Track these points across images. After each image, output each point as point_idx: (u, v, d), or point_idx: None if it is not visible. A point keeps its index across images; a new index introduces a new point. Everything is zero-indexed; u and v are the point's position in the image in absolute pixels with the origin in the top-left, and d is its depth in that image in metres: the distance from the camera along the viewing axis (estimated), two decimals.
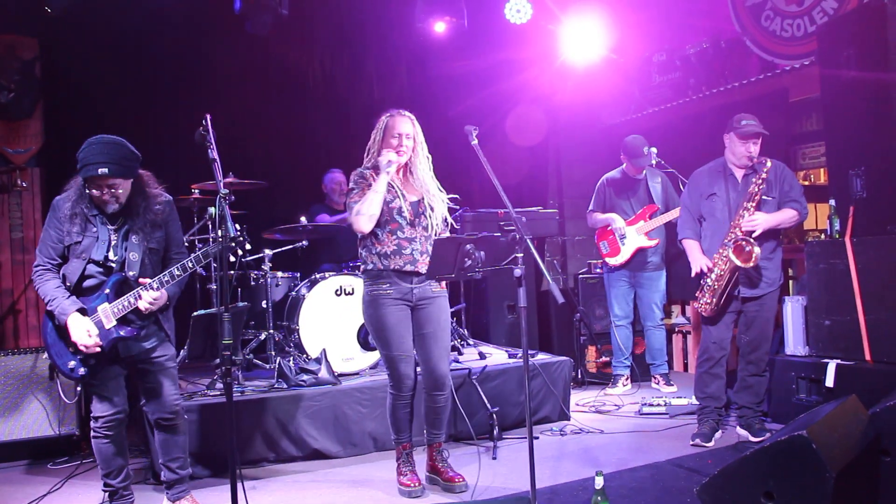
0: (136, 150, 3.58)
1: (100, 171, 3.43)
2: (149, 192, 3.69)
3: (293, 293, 5.60)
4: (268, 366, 5.44)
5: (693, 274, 4.75)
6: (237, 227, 3.47)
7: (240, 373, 5.11)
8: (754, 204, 4.53)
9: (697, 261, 4.74)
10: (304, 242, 5.98)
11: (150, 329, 3.70)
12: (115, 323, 3.54)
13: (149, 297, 3.52)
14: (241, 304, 5.26)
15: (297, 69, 7.44)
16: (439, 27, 7.21)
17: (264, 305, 5.51)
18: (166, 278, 3.54)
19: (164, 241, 3.74)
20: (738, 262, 4.48)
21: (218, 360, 2.82)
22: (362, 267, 4.10)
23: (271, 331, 5.52)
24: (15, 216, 6.12)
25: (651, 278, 6.29)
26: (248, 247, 3.53)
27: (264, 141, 7.12)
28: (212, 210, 3.02)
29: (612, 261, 6.31)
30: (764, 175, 4.52)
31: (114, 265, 3.58)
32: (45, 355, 4.89)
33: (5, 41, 6.09)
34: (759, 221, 4.51)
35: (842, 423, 3.17)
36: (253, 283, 5.73)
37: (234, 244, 3.39)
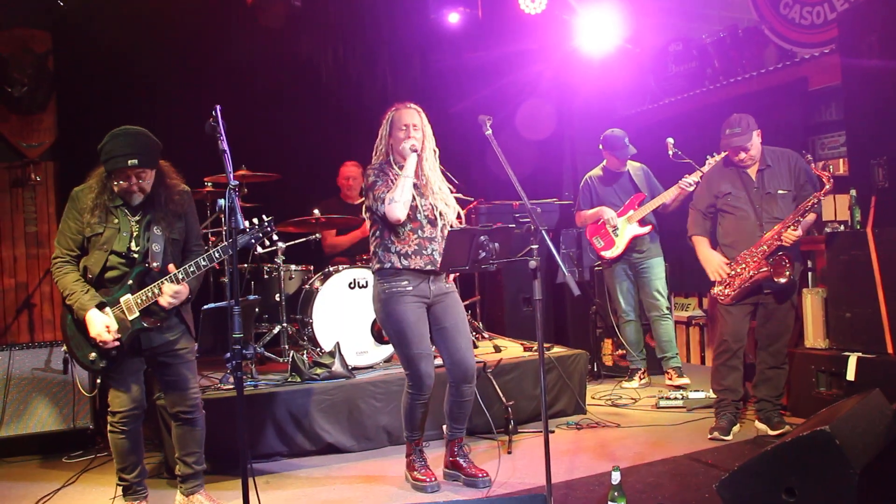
0: (157, 140, 3.58)
1: (129, 162, 3.43)
2: (169, 183, 3.69)
3: (306, 286, 5.57)
4: (281, 359, 5.43)
5: (714, 280, 4.69)
6: (265, 217, 3.47)
7: (253, 366, 5.09)
8: (801, 219, 4.44)
9: (711, 262, 4.71)
10: (317, 235, 5.95)
11: (172, 321, 3.68)
12: (137, 314, 3.52)
13: (169, 290, 3.50)
14: (251, 296, 5.25)
15: (310, 61, 7.40)
16: (453, 18, 7.16)
17: (277, 299, 5.49)
18: (192, 269, 3.52)
19: (184, 232, 3.73)
20: (777, 280, 4.43)
21: (229, 354, 2.78)
22: (376, 266, 4.00)
23: (284, 324, 5.50)
24: (29, 210, 6.14)
25: (650, 266, 6.21)
26: (275, 237, 3.52)
27: (277, 133, 7.10)
28: (222, 202, 2.98)
29: (608, 254, 6.23)
30: (820, 196, 4.40)
31: (136, 256, 3.56)
32: (62, 348, 4.95)
33: (18, 35, 6.10)
34: (798, 237, 4.46)
35: (865, 418, 3.11)
36: (266, 276, 5.71)
37: (261, 235, 3.42)
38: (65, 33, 6.26)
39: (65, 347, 3.65)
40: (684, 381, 6.15)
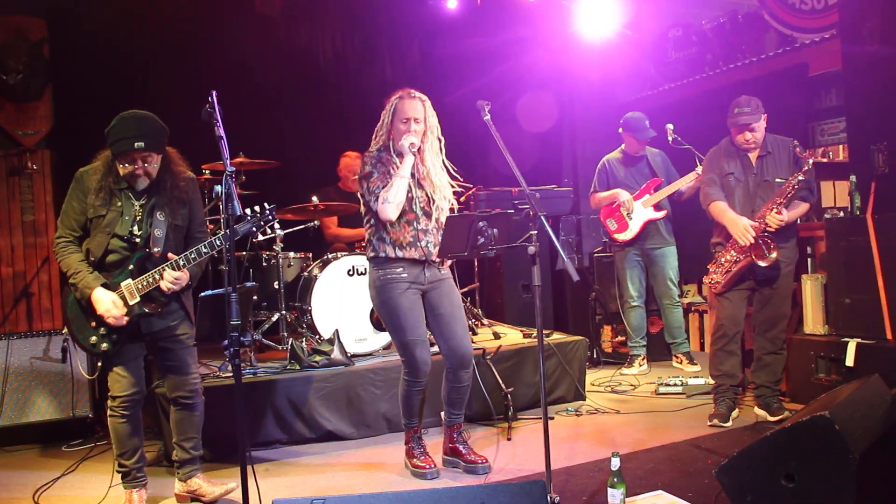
0: (165, 125, 3.56)
1: (136, 144, 3.42)
2: (175, 169, 3.68)
3: (305, 273, 5.56)
4: (280, 347, 5.42)
5: (745, 244, 4.46)
6: (266, 205, 3.46)
7: (252, 354, 5.08)
8: (784, 200, 4.43)
9: (738, 224, 4.47)
10: (315, 222, 5.93)
11: (173, 306, 3.67)
12: (138, 299, 3.51)
13: (170, 276, 3.49)
14: (249, 283, 5.24)
15: (308, 49, 7.38)
16: (451, 4, 7.13)
17: (276, 286, 5.47)
18: (193, 255, 3.51)
19: (187, 219, 3.71)
20: (758, 262, 4.42)
21: (227, 342, 2.77)
22: (371, 254, 3.98)
23: (283, 312, 5.49)
24: (26, 199, 6.11)
25: (664, 254, 6.22)
26: (276, 226, 3.50)
27: (276, 121, 7.08)
28: (218, 188, 2.96)
29: (621, 236, 6.22)
30: (801, 177, 4.39)
31: (138, 241, 3.55)
32: (60, 337, 4.96)
33: (13, 22, 6.05)
34: (782, 221, 4.41)
35: (865, 404, 3.10)
36: (265, 264, 5.70)
37: (262, 223, 3.44)
38: (60, 20, 6.21)
39: (66, 329, 3.65)
40: (695, 367, 6.17)
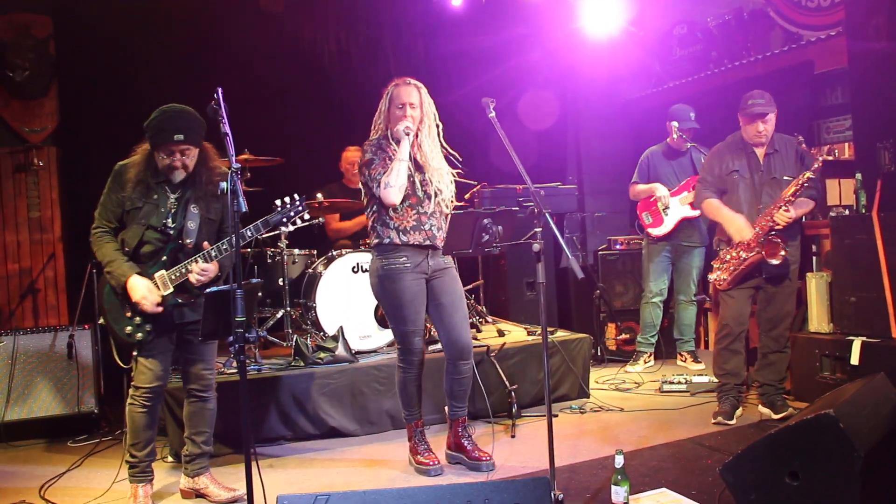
0: (203, 120, 3.59)
1: (175, 137, 3.49)
2: (211, 164, 3.73)
3: (310, 270, 5.57)
4: (285, 344, 5.44)
5: (735, 241, 4.52)
6: (296, 196, 3.59)
7: (257, 350, 5.09)
8: (793, 198, 4.42)
9: (736, 221, 4.51)
10: (320, 219, 5.93)
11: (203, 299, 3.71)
12: (171, 289, 3.56)
13: (198, 268, 3.53)
14: (254, 280, 5.25)
15: (312, 46, 7.38)
16: (456, 1, 7.10)
17: (281, 283, 5.48)
18: (224, 247, 3.57)
19: (220, 213, 3.75)
20: (769, 260, 4.42)
21: (231, 338, 2.79)
22: (374, 241, 4.00)
23: (288, 308, 5.50)
24: (32, 195, 6.13)
25: (693, 252, 6.18)
26: (306, 216, 3.55)
27: (280, 118, 7.08)
28: (224, 185, 2.99)
29: (655, 231, 6.17)
30: (811, 174, 4.38)
31: (172, 232, 3.60)
32: (68, 332, 5.01)
33: (19, 20, 6.08)
34: (790, 218, 4.42)
35: (870, 402, 3.10)
36: (269, 261, 5.70)
37: (293, 214, 3.58)
38: (66, 18, 6.23)
39: (101, 319, 3.69)
40: (699, 366, 6.15)
